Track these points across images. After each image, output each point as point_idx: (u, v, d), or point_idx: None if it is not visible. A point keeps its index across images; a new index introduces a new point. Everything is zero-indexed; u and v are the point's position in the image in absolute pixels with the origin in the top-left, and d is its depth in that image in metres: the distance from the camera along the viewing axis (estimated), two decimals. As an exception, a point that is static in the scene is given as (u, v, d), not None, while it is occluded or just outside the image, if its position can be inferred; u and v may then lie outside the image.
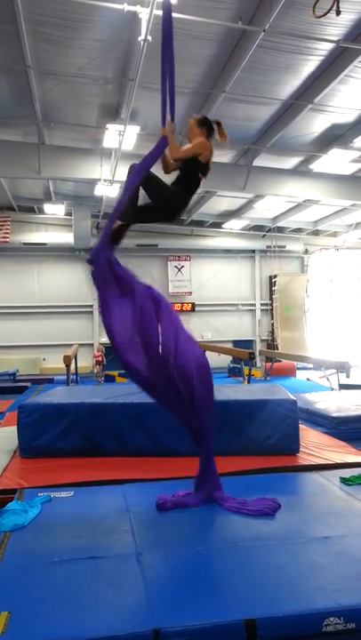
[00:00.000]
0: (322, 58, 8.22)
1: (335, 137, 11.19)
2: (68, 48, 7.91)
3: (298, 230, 19.45)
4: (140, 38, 6.92)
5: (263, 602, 2.59)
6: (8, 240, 16.46)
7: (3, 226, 16.43)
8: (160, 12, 6.24)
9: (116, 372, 15.83)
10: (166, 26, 4.02)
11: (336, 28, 7.38)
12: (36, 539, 3.41)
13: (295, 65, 8.44)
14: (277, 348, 18.67)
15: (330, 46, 7.81)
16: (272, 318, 19.90)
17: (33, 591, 2.72)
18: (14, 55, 7.91)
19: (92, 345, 18.23)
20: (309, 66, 8.47)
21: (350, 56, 8.00)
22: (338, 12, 4.59)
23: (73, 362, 11.96)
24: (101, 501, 4.12)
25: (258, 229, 19.04)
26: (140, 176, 3.97)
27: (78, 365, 13.87)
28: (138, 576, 2.88)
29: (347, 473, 4.68)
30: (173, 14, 4.22)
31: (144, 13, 6.64)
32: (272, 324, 19.86)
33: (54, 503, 4.06)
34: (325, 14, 4.65)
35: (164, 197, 4.10)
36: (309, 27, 7.30)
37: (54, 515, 3.82)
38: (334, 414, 6.84)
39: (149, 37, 6.84)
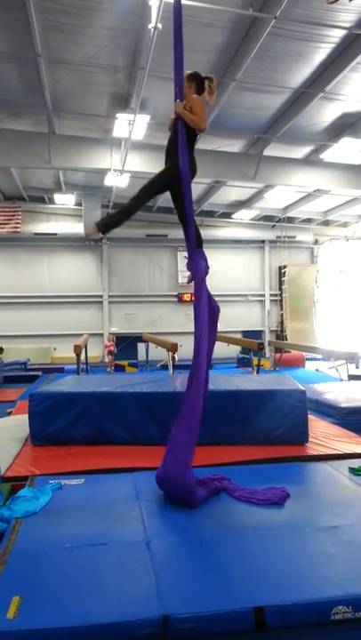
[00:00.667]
0: (333, 45, 8.12)
1: (346, 126, 11.07)
2: (78, 36, 7.87)
3: (308, 220, 19.33)
4: (151, 26, 6.87)
5: (272, 590, 2.61)
6: (19, 230, 16.52)
7: (14, 216, 16.48)
8: (170, 0, 6.22)
9: (125, 362, 15.90)
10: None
11: (348, 14, 7.28)
12: (47, 525, 3.45)
13: (306, 53, 8.34)
14: (286, 339, 18.63)
15: (342, 33, 7.71)
16: (281, 309, 19.84)
17: (44, 577, 2.76)
18: (24, 43, 7.89)
19: (101, 335, 18.30)
20: (321, 53, 8.37)
21: (363, 43, 7.89)
22: (351, -1, 4.52)
23: (83, 351, 12.02)
24: (112, 489, 4.16)
25: (268, 220, 18.95)
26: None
27: (88, 355, 13.94)
28: (147, 563, 2.91)
29: (355, 463, 4.68)
30: (183, 1, 4.21)
31: (154, 1, 6.58)
32: (281, 315, 19.81)
33: (65, 490, 4.11)
34: (337, 0, 4.58)
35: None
36: (321, 13, 7.21)
37: (65, 502, 3.86)
38: (343, 405, 6.84)
39: (160, 25, 6.79)
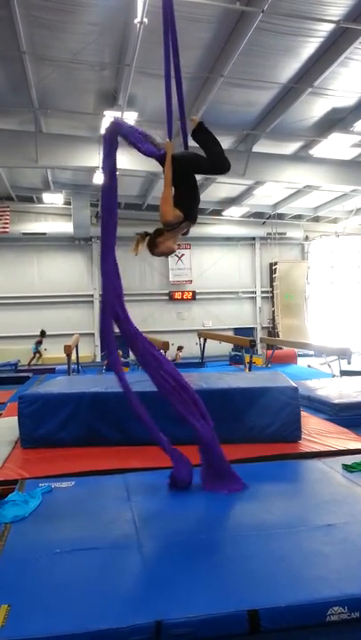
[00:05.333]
0: (322, 39, 8.07)
1: (335, 121, 11.04)
2: (64, 33, 7.77)
3: (298, 217, 19.34)
4: (137, 21, 6.80)
5: (266, 592, 2.56)
6: (7, 230, 16.38)
7: (2, 216, 16.35)
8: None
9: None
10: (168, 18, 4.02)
11: (337, 7, 7.24)
12: (36, 530, 3.38)
13: (295, 47, 8.29)
14: (278, 336, 18.64)
15: (330, 27, 7.66)
16: (273, 305, 19.85)
17: (34, 583, 2.69)
18: (9, 41, 7.78)
19: (92, 334, 18.21)
20: (309, 48, 8.32)
21: (351, 37, 7.84)
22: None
23: (74, 351, 11.93)
24: (103, 491, 4.10)
25: (258, 216, 18.93)
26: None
27: (79, 355, 13.85)
28: (139, 567, 2.86)
29: (349, 460, 4.65)
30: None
31: (140, -5, 6.51)
32: (273, 312, 19.82)
33: (55, 493, 4.04)
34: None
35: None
36: (309, 7, 7.16)
37: (55, 505, 3.80)
38: (336, 401, 6.81)
39: (145, 20, 6.71)
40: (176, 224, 4.10)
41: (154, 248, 4.20)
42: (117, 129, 4.14)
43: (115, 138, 4.12)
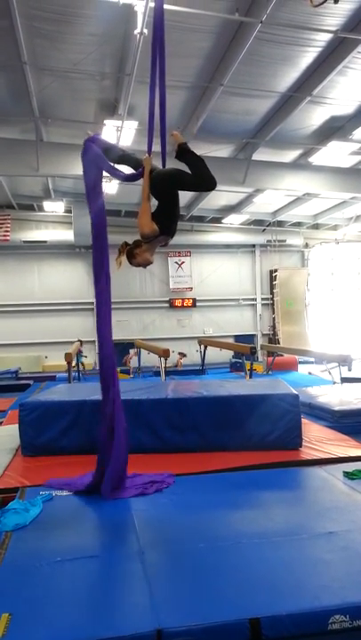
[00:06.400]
0: (320, 49, 8.13)
1: (334, 129, 11.10)
2: (64, 43, 7.83)
3: (298, 224, 19.38)
4: (136, 32, 6.85)
5: (268, 600, 2.56)
6: (8, 238, 16.42)
7: (3, 224, 16.38)
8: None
9: (118, 369, 15.76)
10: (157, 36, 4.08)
11: (334, 18, 7.30)
12: (37, 538, 3.38)
13: (293, 57, 8.36)
14: (279, 343, 18.62)
15: (328, 37, 7.72)
16: (273, 312, 19.85)
17: (34, 592, 2.69)
18: (10, 51, 7.84)
19: (93, 342, 18.20)
20: (308, 57, 8.39)
21: (349, 46, 7.90)
22: (336, 0, 4.53)
23: (75, 359, 11.94)
24: (103, 499, 4.09)
25: (258, 224, 18.97)
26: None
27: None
28: (141, 575, 2.85)
29: (350, 467, 4.64)
30: (169, 6, 4.22)
31: (140, 6, 6.56)
32: (273, 319, 19.81)
33: (56, 502, 4.04)
34: (323, 3, 4.59)
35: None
36: (307, 17, 7.22)
37: (56, 513, 3.80)
38: (336, 408, 6.80)
39: (145, 31, 6.76)
40: (153, 237, 4.16)
41: (132, 258, 4.32)
42: (89, 149, 4.26)
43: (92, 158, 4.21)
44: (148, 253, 4.31)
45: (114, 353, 4.42)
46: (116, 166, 4.44)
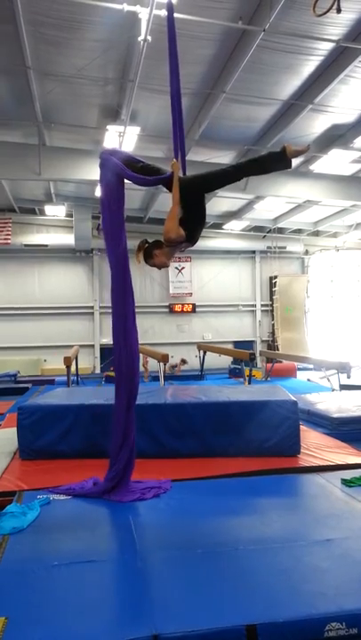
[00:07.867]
0: (322, 58, 8.18)
1: (335, 137, 11.15)
2: (68, 49, 7.88)
3: (298, 231, 19.42)
4: (140, 38, 6.90)
5: (264, 606, 2.55)
6: (9, 242, 16.44)
7: (4, 227, 16.41)
8: (160, 12, 6.26)
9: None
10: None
11: (336, 27, 7.35)
12: (34, 542, 3.38)
13: (295, 65, 8.41)
14: (278, 349, 18.63)
15: (330, 46, 7.77)
16: (273, 319, 19.86)
17: (31, 596, 2.69)
18: (14, 56, 7.88)
19: (92, 346, 18.22)
20: (310, 66, 8.44)
21: (351, 56, 7.95)
22: (338, 10, 4.56)
23: (74, 363, 11.94)
24: (101, 503, 4.09)
25: (258, 230, 19.01)
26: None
27: (79, 366, 13.85)
28: (137, 580, 2.85)
29: (348, 474, 4.65)
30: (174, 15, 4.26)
31: (144, 13, 6.61)
32: (273, 325, 19.83)
33: (54, 505, 4.03)
34: (326, 12, 4.62)
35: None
36: (310, 26, 7.27)
37: (53, 517, 3.79)
38: (335, 415, 6.80)
39: (149, 38, 6.82)
40: (177, 242, 4.13)
41: (149, 258, 4.26)
42: (107, 161, 4.24)
43: (112, 167, 4.20)
44: (166, 257, 4.25)
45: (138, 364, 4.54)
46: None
